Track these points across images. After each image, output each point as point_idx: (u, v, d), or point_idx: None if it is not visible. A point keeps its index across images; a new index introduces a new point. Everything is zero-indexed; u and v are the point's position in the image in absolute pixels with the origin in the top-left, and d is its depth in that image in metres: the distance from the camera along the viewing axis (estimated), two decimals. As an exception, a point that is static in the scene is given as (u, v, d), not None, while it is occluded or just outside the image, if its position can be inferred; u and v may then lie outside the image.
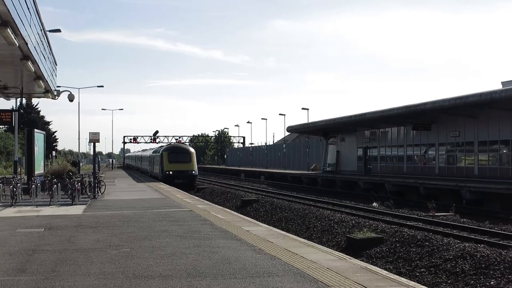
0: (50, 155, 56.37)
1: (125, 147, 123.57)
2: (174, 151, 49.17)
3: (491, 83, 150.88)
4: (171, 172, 46.68)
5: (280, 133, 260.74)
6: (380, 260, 15.97)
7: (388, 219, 22.98)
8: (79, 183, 25.36)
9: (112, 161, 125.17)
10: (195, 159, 48.93)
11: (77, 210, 20.70)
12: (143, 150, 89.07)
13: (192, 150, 50.34)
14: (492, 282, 12.43)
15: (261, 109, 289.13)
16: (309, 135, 73.04)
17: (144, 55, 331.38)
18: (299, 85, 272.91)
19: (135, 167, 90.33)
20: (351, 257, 11.01)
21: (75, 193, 23.66)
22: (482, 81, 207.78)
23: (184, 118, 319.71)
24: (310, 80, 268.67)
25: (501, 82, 48.62)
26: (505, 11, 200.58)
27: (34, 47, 20.65)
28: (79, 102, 59.48)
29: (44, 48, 24.79)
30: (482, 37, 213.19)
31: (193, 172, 47.50)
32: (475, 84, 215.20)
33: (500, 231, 19.09)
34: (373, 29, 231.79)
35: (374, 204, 31.46)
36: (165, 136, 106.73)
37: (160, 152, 50.40)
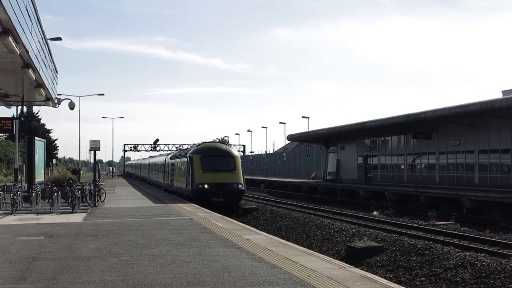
0: (50, 163, 56.42)
1: (126, 155, 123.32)
2: (211, 154, 33.02)
3: (491, 92, 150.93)
4: (206, 186, 30.87)
5: (280, 142, 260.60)
6: (381, 269, 15.95)
7: (388, 227, 22.95)
8: (79, 191, 25.37)
9: (113, 169, 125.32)
10: (241, 166, 32.77)
11: (77, 218, 20.68)
12: (150, 157, 77.03)
13: (235, 152, 35.03)
14: (492, 291, 12.40)
15: (261, 118, 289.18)
16: (309, 143, 72.98)
17: (144, 63, 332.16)
18: (299, 93, 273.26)
19: (137, 176, 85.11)
20: (351, 266, 11.01)
21: (76, 201, 23.67)
22: (482, 89, 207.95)
23: (185, 126, 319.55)
24: (310, 88, 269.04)
25: (502, 91, 48.63)
26: (504, 20, 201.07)
27: (35, 55, 20.68)
28: (79, 110, 59.80)
29: (45, 56, 24.83)
30: (481, 46, 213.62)
31: (240, 186, 31.62)
32: (475, 92, 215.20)
33: (500, 240, 19.06)
34: (373, 37, 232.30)
35: (375, 212, 31.43)
36: (166, 144, 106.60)
37: (189, 155, 33.55)
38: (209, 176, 31.21)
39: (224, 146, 35.79)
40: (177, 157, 39.75)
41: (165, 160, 46.71)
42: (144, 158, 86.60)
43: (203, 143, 37.45)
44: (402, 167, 48.20)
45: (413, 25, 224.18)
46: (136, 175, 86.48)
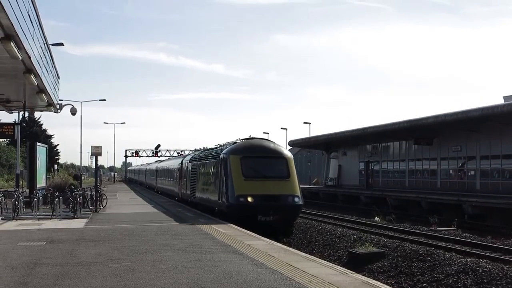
0: (52, 168, 56.46)
1: (127, 161, 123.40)
2: (255, 154, 23.83)
3: (492, 98, 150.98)
4: (249, 200, 22.20)
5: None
6: (382, 274, 15.92)
7: (390, 233, 22.94)
8: (80, 197, 25.35)
9: (114, 174, 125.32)
10: (295, 171, 23.79)
11: (78, 223, 20.67)
12: (158, 161, 69.22)
13: (287, 152, 25.06)
14: (494, 297, 12.37)
15: (262, 123, 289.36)
16: (311, 149, 73.05)
17: (146, 69, 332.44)
18: (301, 98, 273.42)
19: (141, 183, 79.92)
20: (353, 272, 10.98)
21: (77, 206, 23.66)
22: (484, 95, 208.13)
23: (186, 131, 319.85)
24: (312, 93, 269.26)
25: (503, 97, 48.73)
26: (506, 27, 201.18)
27: (37, 61, 20.75)
28: (81, 116, 59.78)
29: (47, 62, 24.90)
30: (483, 52, 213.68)
31: (296, 199, 22.76)
32: (476, 98, 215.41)
33: (502, 246, 19.04)
34: (375, 43, 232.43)
35: (376, 218, 31.40)
36: (167, 150, 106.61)
37: (222, 156, 24.25)
38: (253, 185, 22.24)
39: (272, 144, 24.62)
40: (203, 159, 29.39)
41: (181, 163, 36.86)
42: (150, 163, 78.10)
43: (241, 140, 25.55)
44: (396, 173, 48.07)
45: (414, 31, 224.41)
46: (140, 182, 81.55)
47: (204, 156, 29.31)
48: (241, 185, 22.33)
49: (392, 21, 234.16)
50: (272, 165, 23.19)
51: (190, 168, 32.49)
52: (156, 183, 55.67)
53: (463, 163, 42.01)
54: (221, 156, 24.03)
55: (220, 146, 28.47)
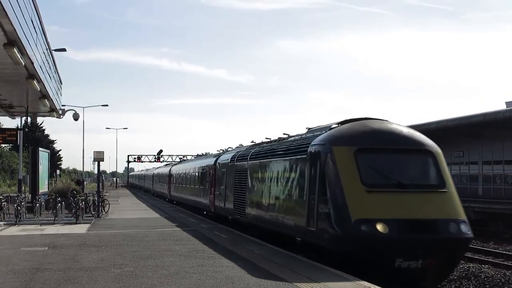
0: (54, 174, 56.47)
1: (129, 166, 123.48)
2: (380, 144, 13.40)
3: (495, 103, 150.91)
4: (381, 229, 12.01)
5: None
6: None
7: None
8: (83, 202, 25.36)
9: (116, 179, 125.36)
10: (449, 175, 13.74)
11: (81, 228, 20.68)
12: (167, 165, 63.49)
13: (432, 143, 13.86)
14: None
15: (265, 128, 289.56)
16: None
17: (148, 74, 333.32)
18: (303, 103, 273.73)
19: (147, 189, 73.52)
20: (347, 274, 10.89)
21: (79, 211, 23.66)
22: (486, 100, 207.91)
23: (188, 137, 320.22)
24: (314, 98, 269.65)
25: (505, 102, 48.64)
26: (507, 33, 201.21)
27: (40, 66, 20.80)
28: (83, 121, 59.65)
29: (50, 67, 24.97)
30: (485, 57, 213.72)
31: (463, 227, 12.46)
32: (478, 103, 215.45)
33: (504, 252, 19.01)
34: (377, 48, 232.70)
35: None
36: (169, 155, 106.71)
37: (315, 148, 14.10)
38: (385, 202, 12.70)
39: (406, 130, 14.35)
40: (262, 156, 18.98)
41: (215, 164, 26.75)
42: (159, 167, 71.50)
43: (345, 122, 14.78)
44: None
45: (416, 36, 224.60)
46: (146, 188, 74.98)
47: (267, 152, 18.75)
48: (362, 202, 12.50)
49: (393, 27, 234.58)
50: (413, 165, 13.57)
51: (233, 171, 22.59)
52: (170, 190, 45.28)
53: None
54: (312, 149, 14.15)
55: (300, 135, 17.37)
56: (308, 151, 14.20)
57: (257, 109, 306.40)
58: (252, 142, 24.11)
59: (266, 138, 22.02)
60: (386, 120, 14.57)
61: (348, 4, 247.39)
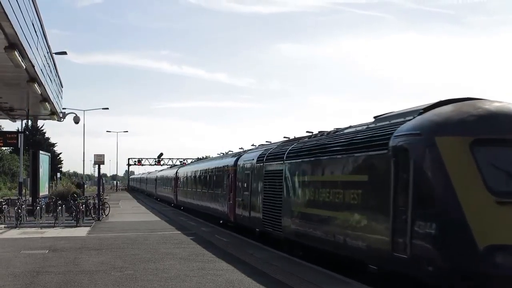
0: (54, 177, 56.44)
1: (130, 169, 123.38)
2: (505, 134, 8.75)
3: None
4: None
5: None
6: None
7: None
8: (83, 205, 25.36)
9: (117, 183, 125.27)
10: None
11: (81, 232, 20.67)
12: (172, 167, 61.70)
13: None
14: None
15: (266, 132, 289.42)
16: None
17: (149, 77, 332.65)
18: (304, 107, 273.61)
19: (149, 193, 70.87)
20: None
21: (80, 215, 23.66)
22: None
23: (189, 140, 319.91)
24: (315, 102, 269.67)
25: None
26: (506, 36, 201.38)
27: (41, 69, 20.79)
28: (84, 124, 59.57)
29: (51, 70, 24.97)
30: (486, 61, 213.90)
31: None
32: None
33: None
34: (377, 51, 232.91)
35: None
36: (170, 159, 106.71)
37: (402, 140, 9.68)
38: None
39: None
40: (303, 154, 14.95)
41: (235, 165, 22.82)
42: (162, 170, 68.27)
43: (442, 102, 10.20)
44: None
45: (416, 40, 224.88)
46: (148, 192, 72.74)
47: (315, 148, 14.30)
48: (492, 218, 8.39)
49: (394, 30, 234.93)
50: None
51: (261, 173, 18.42)
52: (176, 195, 41.33)
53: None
54: (397, 141, 9.91)
55: (365, 125, 12.77)
56: (390, 145, 9.95)
57: (258, 113, 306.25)
58: (285, 137, 20.33)
59: (307, 132, 17.99)
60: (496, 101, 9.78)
61: (348, 8, 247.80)
